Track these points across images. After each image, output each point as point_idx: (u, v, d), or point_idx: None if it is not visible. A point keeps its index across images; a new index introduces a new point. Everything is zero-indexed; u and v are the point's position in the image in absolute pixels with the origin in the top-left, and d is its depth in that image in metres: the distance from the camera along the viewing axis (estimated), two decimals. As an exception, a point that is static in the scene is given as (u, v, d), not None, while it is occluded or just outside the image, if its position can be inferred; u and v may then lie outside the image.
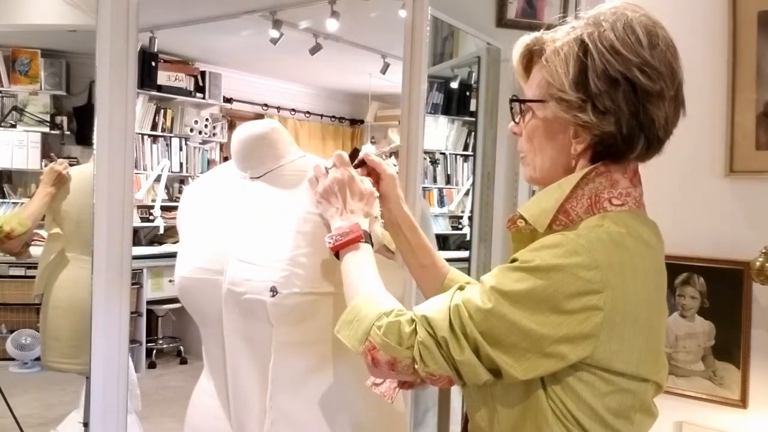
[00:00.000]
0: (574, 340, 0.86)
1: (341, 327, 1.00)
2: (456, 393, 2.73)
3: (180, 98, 5.80)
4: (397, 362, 0.91)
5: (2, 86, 3.94)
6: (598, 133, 0.92)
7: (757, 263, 1.47)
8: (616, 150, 0.94)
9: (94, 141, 1.72)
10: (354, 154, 1.20)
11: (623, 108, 0.91)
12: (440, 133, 5.00)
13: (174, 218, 5.24)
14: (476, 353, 0.87)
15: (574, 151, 0.95)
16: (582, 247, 0.86)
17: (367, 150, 1.26)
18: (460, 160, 5.14)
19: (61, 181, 2.55)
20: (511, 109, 1.03)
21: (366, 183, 1.18)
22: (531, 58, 1.01)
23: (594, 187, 0.94)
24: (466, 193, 4.61)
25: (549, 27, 1.00)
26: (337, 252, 1.11)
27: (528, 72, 1.02)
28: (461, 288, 0.95)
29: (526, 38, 1.01)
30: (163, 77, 5.60)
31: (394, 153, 1.31)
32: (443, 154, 5.08)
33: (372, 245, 1.12)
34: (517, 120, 1.03)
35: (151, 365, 5.24)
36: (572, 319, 0.85)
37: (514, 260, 0.91)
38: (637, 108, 0.91)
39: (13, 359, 3.47)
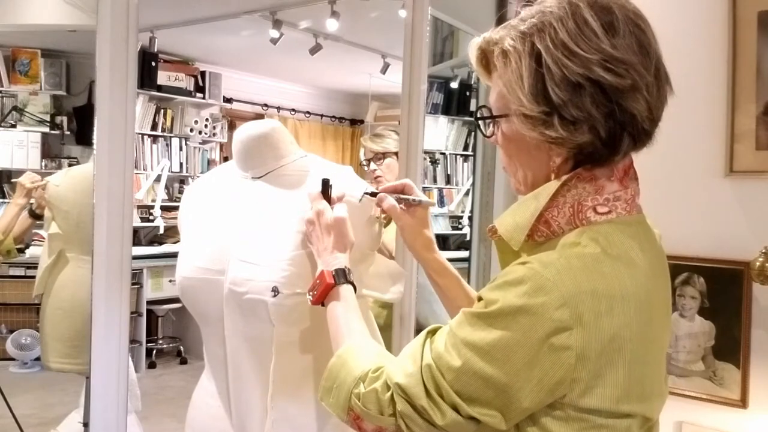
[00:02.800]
0: (548, 385, 0.80)
1: (323, 394, 0.96)
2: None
3: (180, 98, 5.80)
4: (383, 429, 0.88)
5: (2, 86, 3.94)
6: (573, 145, 0.83)
7: (757, 263, 1.47)
8: (599, 156, 0.84)
9: (94, 141, 1.72)
10: (324, 185, 1.16)
11: (594, 114, 0.81)
12: (440, 133, 5.01)
13: (174, 218, 5.25)
14: (457, 411, 0.82)
15: (553, 164, 0.87)
16: (548, 282, 0.78)
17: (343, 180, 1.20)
18: (460, 160, 5.14)
19: (29, 195, 2.55)
20: (479, 124, 0.94)
21: (338, 209, 1.13)
22: (488, 59, 0.91)
23: (577, 194, 0.85)
24: (466, 193, 4.61)
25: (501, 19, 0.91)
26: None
27: (490, 72, 0.92)
28: (432, 333, 0.89)
29: (477, 40, 0.91)
30: (163, 77, 5.60)
31: (416, 203, 1.20)
32: (443, 154, 5.09)
33: (350, 282, 1.09)
34: (489, 133, 0.93)
35: (151, 365, 5.24)
36: (544, 362, 0.78)
37: (480, 298, 0.84)
38: (610, 109, 0.81)
39: (13, 359, 3.47)
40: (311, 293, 1.11)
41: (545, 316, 0.78)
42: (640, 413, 0.86)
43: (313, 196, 1.16)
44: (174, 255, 1.32)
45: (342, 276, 1.08)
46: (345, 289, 1.08)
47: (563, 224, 0.86)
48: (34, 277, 2.69)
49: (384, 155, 2.55)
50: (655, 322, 0.88)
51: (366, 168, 2.67)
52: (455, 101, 4.78)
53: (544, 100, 0.82)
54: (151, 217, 5.52)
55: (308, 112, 7.34)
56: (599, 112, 0.81)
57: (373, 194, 1.20)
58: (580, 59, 0.80)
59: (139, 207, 5.43)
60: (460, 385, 0.81)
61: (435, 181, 5.07)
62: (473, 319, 0.83)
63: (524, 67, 0.82)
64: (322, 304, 1.09)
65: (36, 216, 2.58)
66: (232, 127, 6.22)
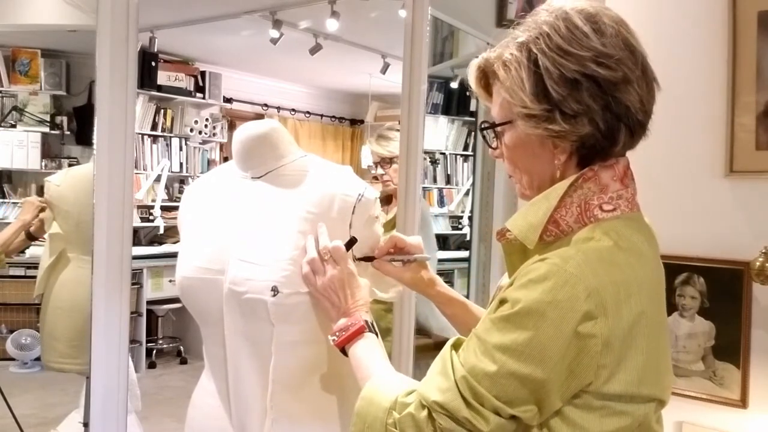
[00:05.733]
0: (578, 373, 0.83)
1: None
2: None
3: (180, 98, 5.80)
4: None
5: (2, 86, 3.94)
6: (576, 138, 0.89)
7: (757, 263, 1.47)
8: (600, 148, 0.90)
9: (94, 141, 1.72)
10: (351, 243, 1.18)
11: (592, 106, 0.87)
12: (440, 133, 5.00)
13: (174, 218, 5.25)
14: (498, 415, 0.84)
15: (558, 162, 0.92)
16: (572, 276, 0.82)
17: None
18: (460, 160, 5.14)
19: (35, 214, 2.58)
20: (484, 137, 1.00)
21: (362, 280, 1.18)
22: (487, 80, 0.98)
23: (583, 194, 0.91)
24: (466, 193, 4.62)
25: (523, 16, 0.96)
26: (343, 348, 1.11)
27: (489, 92, 0.99)
28: (456, 347, 0.91)
29: (476, 60, 0.98)
30: (163, 77, 5.60)
31: (411, 261, 1.25)
32: (443, 154, 5.08)
33: (377, 334, 1.12)
34: (494, 145, 0.99)
35: (151, 365, 5.24)
36: (573, 350, 0.82)
37: (503, 301, 0.86)
38: (606, 101, 0.87)
39: (13, 359, 3.48)
40: (337, 334, 1.11)
41: (574, 308, 0.81)
42: (657, 396, 0.91)
43: (341, 254, 1.15)
44: (174, 255, 1.32)
45: (371, 327, 1.12)
46: (372, 336, 1.12)
47: (572, 223, 0.91)
48: (34, 277, 2.70)
49: (392, 160, 2.53)
50: (663, 309, 0.95)
51: (373, 171, 2.66)
52: (455, 101, 4.78)
53: (545, 99, 0.88)
54: (151, 217, 5.52)
55: (308, 112, 7.34)
56: (597, 105, 0.87)
57: (368, 259, 1.24)
58: (575, 57, 0.87)
59: (139, 207, 5.43)
60: (498, 389, 0.83)
61: (435, 181, 5.07)
62: (501, 322, 0.85)
63: (524, 71, 0.89)
64: (343, 351, 1.11)
65: (31, 237, 2.61)
66: (232, 127, 6.22)
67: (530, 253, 0.91)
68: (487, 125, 0.98)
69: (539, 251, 0.90)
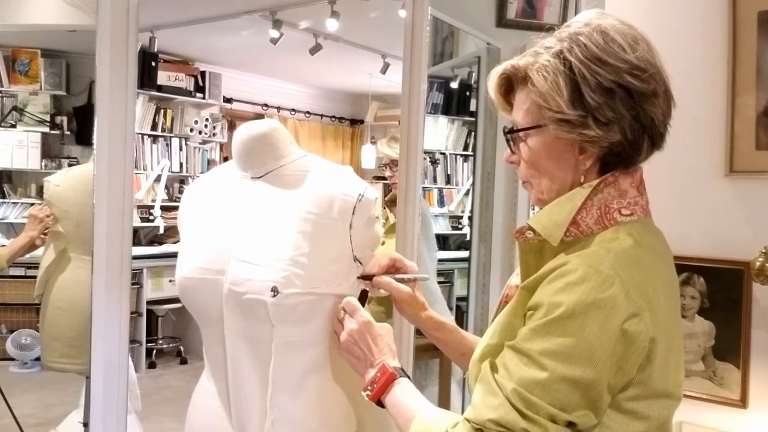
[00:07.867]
0: (625, 369, 0.86)
1: None
2: (457, 394, 2.73)
3: (180, 98, 5.80)
4: None
5: (2, 86, 3.94)
6: (606, 144, 0.92)
7: (757, 263, 1.47)
8: (625, 156, 0.94)
9: (94, 141, 1.72)
10: (363, 296, 1.19)
11: (625, 115, 0.91)
12: (440, 133, 5.00)
13: (174, 218, 5.24)
14: (554, 422, 0.84)
15: (582, 167, 0.95)
16: (609, 277, 0.85)
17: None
18: (460, 160, 5.14)
19: (44, 224, 2.58)
20: (507, 140, 1.02)
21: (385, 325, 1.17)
22: (510, 86, 1.01)
23: (603, 198, 0.94)
24: (466, 193, 4.61)
25: (550, 29, 0.98)
26: (379, 400, 1.09)
27: (507, 101, 1.02)
28: (492, 367, 0.91)
29: (499, 68, 1.00)
30: (163, 77, 5.60)
31: (412, 280, 1.26)
32: (443, 154, 5.08)
33: (409, 377, 1.10)
34: (514, 150, 1.02)
35: (151, 365, 5.24)
36: (621, 348, 0.84)
37: (536, 307, 0.88)
38: (636, 111, 0.92)
39: (13, 359, 3.48)
40: (369, 388, 1.09)
41: (616, 306, 0.84)
42: (677, 394, 0.95)
43: (353, 306, 1.16)
44: (174, 255, 1.33)
45: (402, 372, 1.10)
46: (405, 380, 1.09)
47: (591, 224, 0.94)
48: (34, 277, 2.69)
49: None
50: (679, 308, 1.01)
51: (383, 171, 2.69)
52: (455, 101, 4.78)
53: (580, 105, 0.91)
54: (151, 217, 5.52)
55: (308, 112, 7.34)
56: (629, 114, 0.92)
57: (367, 277, 1.23)
58: (612, 67, 0.91)
59: (139, 207, 5.43)
60: (551, 396, 0.84)
61: (435, 181, 5.07)
62: (543, 328, 0.86)
63: (561, 76, 0.92)
64: (379, 403, 1.08)
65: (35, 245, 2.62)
66: (232, 127, 6.22)
67: (546, 254, 0.94)
68: (512, 129, 1.00)
69: (557, 251, 0.93)
